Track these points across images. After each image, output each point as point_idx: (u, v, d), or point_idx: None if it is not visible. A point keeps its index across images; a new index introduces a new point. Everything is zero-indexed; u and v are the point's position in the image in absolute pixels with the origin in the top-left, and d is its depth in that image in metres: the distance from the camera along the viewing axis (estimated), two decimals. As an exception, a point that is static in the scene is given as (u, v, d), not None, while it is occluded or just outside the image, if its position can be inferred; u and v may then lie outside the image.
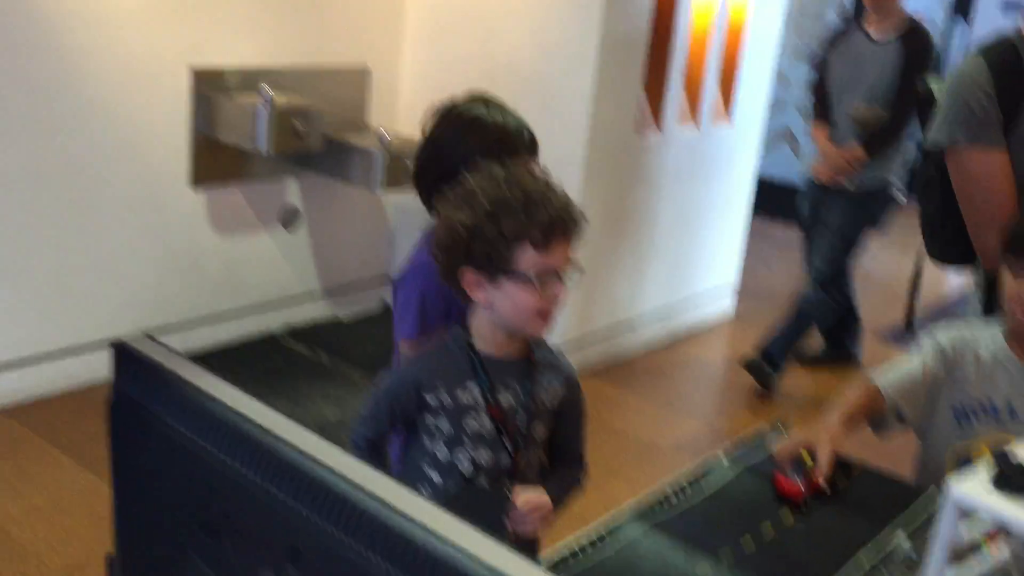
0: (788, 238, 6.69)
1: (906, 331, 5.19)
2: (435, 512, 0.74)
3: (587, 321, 4.07)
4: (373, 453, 1.64)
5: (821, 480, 1.58)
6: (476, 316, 1.59)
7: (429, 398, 1.55)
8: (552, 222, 1.48)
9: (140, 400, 0.91)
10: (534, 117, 1.73)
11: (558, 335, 3.49)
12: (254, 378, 3.62)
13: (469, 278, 1.52)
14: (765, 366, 4.05)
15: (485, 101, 1.83)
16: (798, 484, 1.39)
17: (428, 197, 1.80)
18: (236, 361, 3.78)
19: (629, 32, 3.81)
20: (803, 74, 6.89)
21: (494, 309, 1.53)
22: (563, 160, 3.64)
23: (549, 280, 1.49)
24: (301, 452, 0.81)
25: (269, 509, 0.81)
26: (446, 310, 1.76)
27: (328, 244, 4.20)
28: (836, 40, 4.14)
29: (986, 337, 1.89)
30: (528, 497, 1.52)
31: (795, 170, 6.94)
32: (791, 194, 6.79)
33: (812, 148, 4.21)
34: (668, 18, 4.00)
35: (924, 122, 2.33)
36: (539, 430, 1.62)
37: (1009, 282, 1.80)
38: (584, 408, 1.69)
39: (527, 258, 1.48)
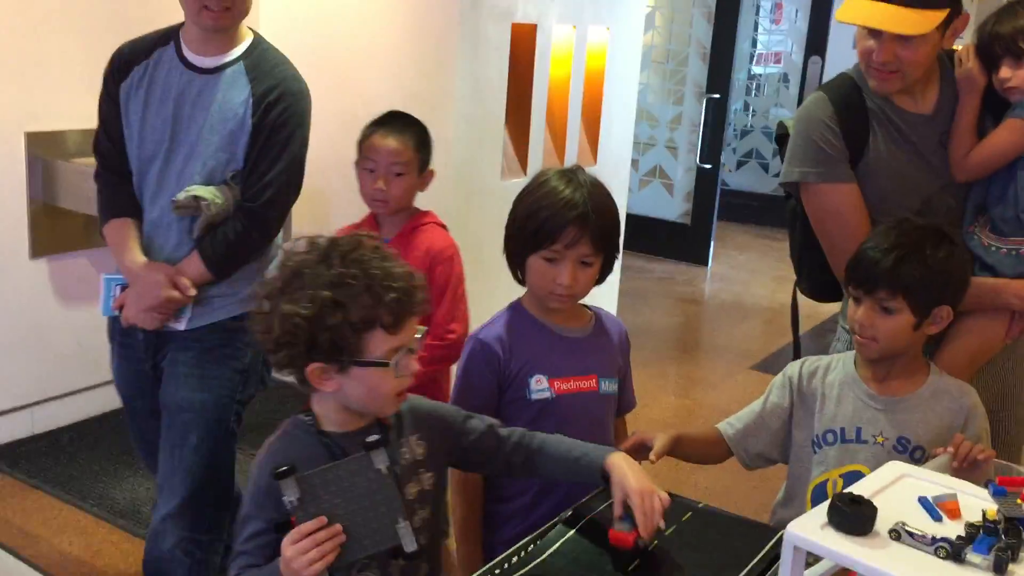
0: (665, 271, 6.79)
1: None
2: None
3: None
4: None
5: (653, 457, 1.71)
6: (321, 402, 1.44)
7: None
8: (400, 301, 1.36)
9: None
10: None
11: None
12: (114, 453, 3.41)
13: (314, 370, 1.37)
14: None
15: (563, 171, 1.78)
16: (628, 532, 1.41)
17: (512, 263, 1.85)
18: (94, 437, 3.55)
19: (491, 77, 3.80)
20: (671, 114, 7.05)
21: (346, 396, 1.40)
22: (426, 208, 3.56)
23: (403, 359, 1.38)
24: None
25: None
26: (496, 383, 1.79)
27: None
28: (132, 64, 2.18)
29: (836, 363, 1.88)
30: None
31: (668, 206, 7.09)
32: (665, 228, 6.93)
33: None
34: (527, 64, 4.00)
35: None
36: (412, 490, 1.48)
37: (850, 307, 1.80)
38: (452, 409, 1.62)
39: (378, 342, 1.36)
